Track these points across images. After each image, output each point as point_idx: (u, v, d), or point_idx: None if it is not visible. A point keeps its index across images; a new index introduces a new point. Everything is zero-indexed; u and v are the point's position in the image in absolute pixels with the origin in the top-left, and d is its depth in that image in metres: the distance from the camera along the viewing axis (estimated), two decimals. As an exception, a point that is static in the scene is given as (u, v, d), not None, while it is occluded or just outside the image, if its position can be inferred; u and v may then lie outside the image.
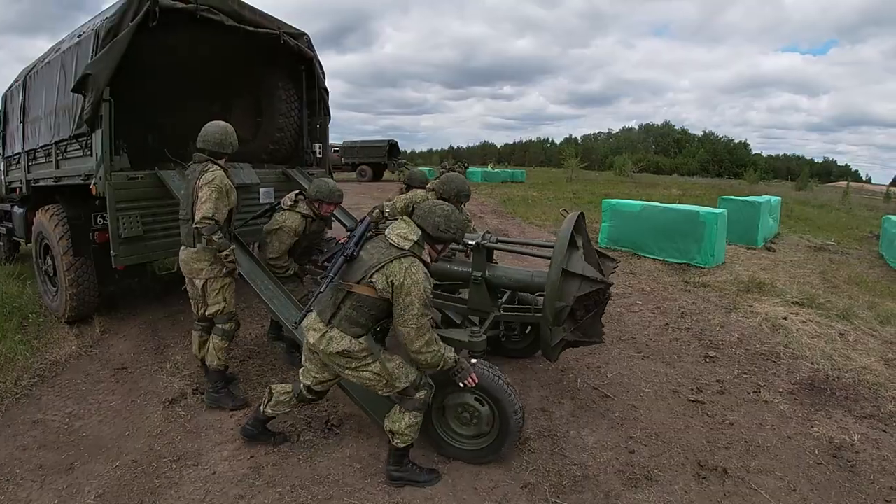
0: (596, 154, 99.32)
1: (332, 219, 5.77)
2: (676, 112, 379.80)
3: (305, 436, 4.38)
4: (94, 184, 5.56)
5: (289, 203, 5.33)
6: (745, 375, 5.77)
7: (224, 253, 4.61)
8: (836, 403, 5.20)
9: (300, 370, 3.92)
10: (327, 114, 8.03)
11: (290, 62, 7.47)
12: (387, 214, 5.57)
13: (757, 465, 4.16)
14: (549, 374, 5.63)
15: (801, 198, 34.07)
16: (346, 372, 3.59)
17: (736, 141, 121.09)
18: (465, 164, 40.49)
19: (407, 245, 3.46)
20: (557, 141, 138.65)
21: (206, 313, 4.82)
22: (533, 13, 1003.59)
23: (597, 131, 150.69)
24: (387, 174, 37.30)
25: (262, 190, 6.78)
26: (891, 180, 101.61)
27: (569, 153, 46.69)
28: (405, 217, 3.66)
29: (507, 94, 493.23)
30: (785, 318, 7.38)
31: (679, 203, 15.00)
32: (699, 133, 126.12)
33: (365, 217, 4.29)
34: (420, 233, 3.55)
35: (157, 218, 5.78)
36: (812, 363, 6.03)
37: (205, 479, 3.83)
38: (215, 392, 4.81)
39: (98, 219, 6.12)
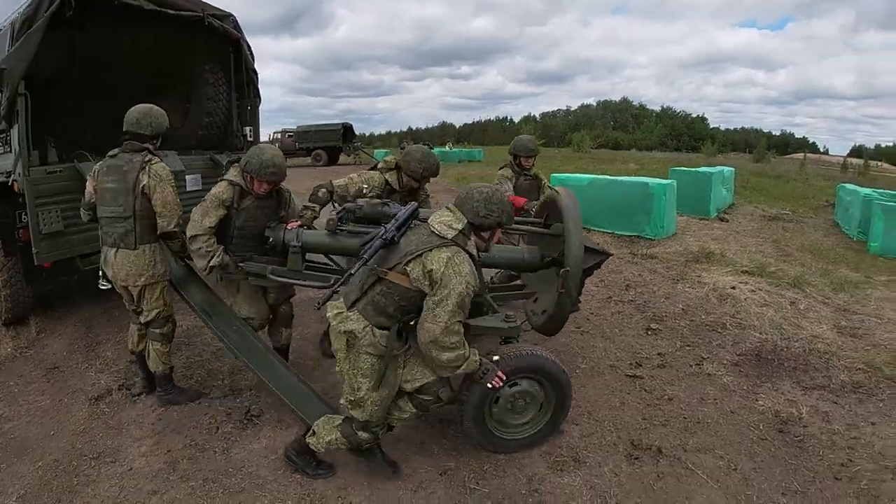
0: (555, 131, 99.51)
1: (288, 195, 4.77)
2: (634, 88, 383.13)
3: (224, 427, 4.22)
4: (14, 180, 5.34)
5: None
6: (687, 348, 5.60)
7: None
8: (783, 374, 5.04)
9: None
10: (257, 96, 7.77)
11: (217, 45, 7.21)
12: (338, 195, 4.73)
13: (695, 443, 3.96)
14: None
15: (758, 169, 34.00)
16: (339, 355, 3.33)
17: (694, 115, 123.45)
18: (429, 145, 39.61)
19: (451, 234, 3.17)
20: (517, 119, 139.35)
21: (143, 321, 4.46)
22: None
23: (555, 109, 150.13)
24: (343, 158, 36.52)
25: (188, 178, 6.49)
26: (848, 151, 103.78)
27: (525, 131, 46.84)
28: (450, 205, 3.34)
29: (464, 74, 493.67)
30: (733, 288, 7.25)
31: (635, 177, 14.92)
32: (657, 108, 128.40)
33: (412, 203, 3.72)
34: (465, 221, 3.23)
35: (79, 212, 5.44)
36: (760, 333, 5.89)
37: (121, 475, 3.73)
38: (166, 394, 4.57)
39: (22, 216, 5.75)
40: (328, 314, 3.32)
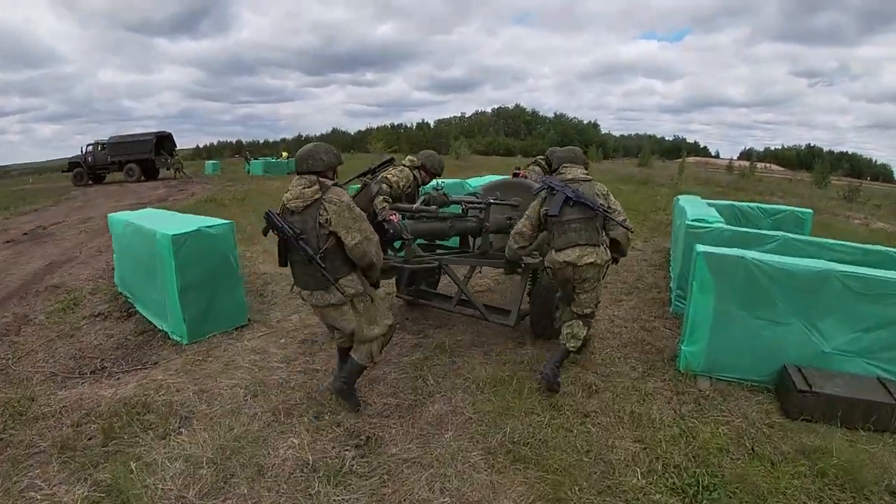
0: (444, 138, 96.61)
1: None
2: (537, 97, 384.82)
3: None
4: None
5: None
6: None
7: None
8: None
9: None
10: None
11: None
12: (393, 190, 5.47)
13: None
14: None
15: (629, 175, 29.57)
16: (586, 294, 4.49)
17: (585, 122, 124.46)
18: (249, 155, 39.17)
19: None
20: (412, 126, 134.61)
21: None
22: None
23: (451, 116, 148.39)
24: (164, 173, 31.48)
25: None
26: (738, 154, 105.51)
27: (419, 137, 43.63)
28: (566, 165, 4.65)
29: (369, 81, 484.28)
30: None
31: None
32: (550, 115, 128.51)
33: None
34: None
35: None
36: None
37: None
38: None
39: None
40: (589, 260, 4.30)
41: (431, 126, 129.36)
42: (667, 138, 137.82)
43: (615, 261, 4.63)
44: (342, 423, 3.97)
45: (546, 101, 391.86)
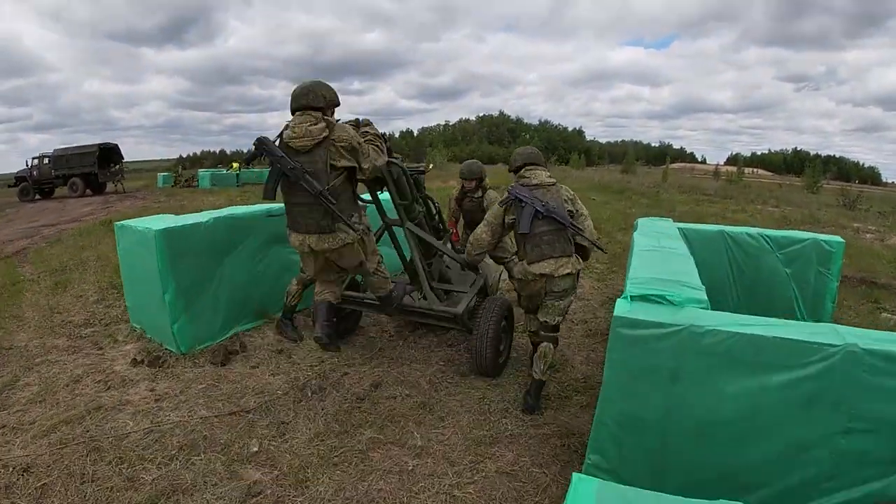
0: (423, 147, 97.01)
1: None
2: (525, 104, 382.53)
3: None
4: None
5: None
6: None
7: None
8: None
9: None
10: None
11: None
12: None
13: None
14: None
15: (609, 182, 26.99)
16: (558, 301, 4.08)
17: (570, 129, 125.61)
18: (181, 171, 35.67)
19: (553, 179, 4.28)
20: (396, 135, 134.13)
21: None
22: (382, 6, 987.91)
23: (435, 124, 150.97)
24: (111, 187, 29.44)
25: None
26: (725, 160, 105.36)
27: (402, 146, 42.37)
28: (532, 169, 4.27)
29: (356, 90, 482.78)
30: None
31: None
32: (535, 122, 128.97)
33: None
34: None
35: None
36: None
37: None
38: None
39: None
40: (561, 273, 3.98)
41: (415, 134, 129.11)
42: (653, 145, 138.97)
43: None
44: None
45: (534, 108, 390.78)
